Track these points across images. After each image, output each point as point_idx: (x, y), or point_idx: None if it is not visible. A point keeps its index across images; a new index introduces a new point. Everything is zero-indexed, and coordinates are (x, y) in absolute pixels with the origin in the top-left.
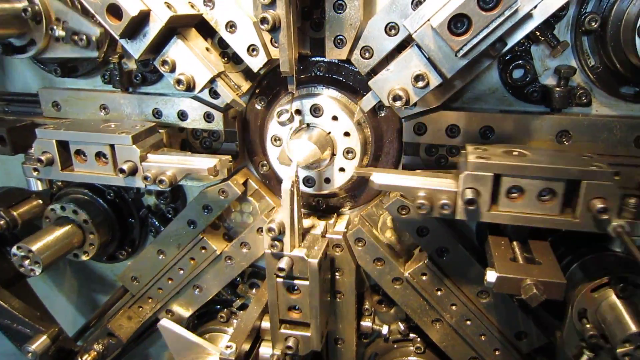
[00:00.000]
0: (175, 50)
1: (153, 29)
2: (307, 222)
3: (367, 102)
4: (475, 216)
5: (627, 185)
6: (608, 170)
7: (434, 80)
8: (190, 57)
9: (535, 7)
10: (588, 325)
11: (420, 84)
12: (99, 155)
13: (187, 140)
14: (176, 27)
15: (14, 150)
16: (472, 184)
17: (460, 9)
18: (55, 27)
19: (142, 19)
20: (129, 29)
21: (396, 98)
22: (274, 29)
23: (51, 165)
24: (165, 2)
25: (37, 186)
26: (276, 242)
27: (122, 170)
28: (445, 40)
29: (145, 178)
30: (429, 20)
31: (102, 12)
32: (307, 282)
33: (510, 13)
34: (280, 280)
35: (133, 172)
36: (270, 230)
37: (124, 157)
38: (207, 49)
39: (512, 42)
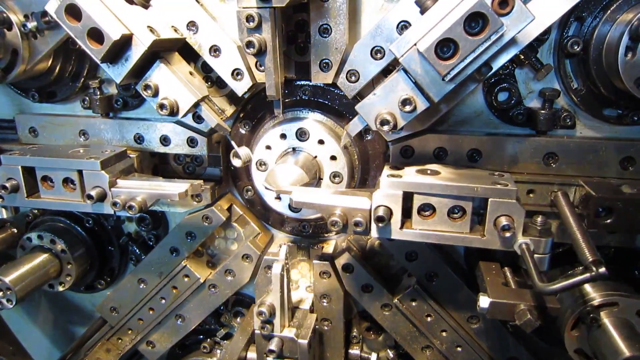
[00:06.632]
0: (158, 74)
1: (135, 53)
2: (295, 296)
3: (354, 126)
4: (388, 234)
5: (540, 202)
6: (512, 188)
7: (421, 105)
8: (173, 82)
9: (520, 31)
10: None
11: (408, 108)
12: (67, 181)
13: (159, 165)
14: (159, 51)
15: None
16: (383, 202)
17: (447, 33)
18: (27, 23)
19: (124, 43)
20: (111, 53)
21: (384, 122)
22: (260, 53)
23: (16, 192)
24: (148, 26)
25: (2, 214)
26: (266, 325)
27: (89, 197)
28: (433, 65)
29: (115, 204)
30: (415, 44)
31: (82, 36)
32: None
33: (496, 37)
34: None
35: (102, 198)
36: (260, 314)
37: (93, 183)
38: (191, 73)
39: (497, 65)
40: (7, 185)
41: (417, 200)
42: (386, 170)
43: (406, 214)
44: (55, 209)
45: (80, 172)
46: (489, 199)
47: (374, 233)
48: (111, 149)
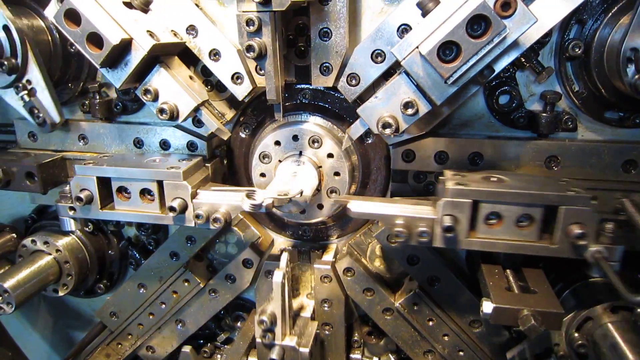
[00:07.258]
0: (158, 79)
1: (135, 57)
2: (296, 303)
3: (356, 129)
4: (454, 243)
5: (603, 209)
6: (585, 195)
7: (423, 108)
8: (173, 86)
9: (522, 33)
10: (576, 334)
11: (410, 111)
12: (144, 192)
13: (227, 174)
14: (159, 56)
15: (44, 188)
16: (450, 211)
17: (450, 36)
18: (20, 86)
19: (124, 47)
20: (110, 57)
21: (385, 125)
22: (260, 57)
23: (90, 203)
24: (148, 31)
25: (71, 226)
26: (268, 334)
27: (172, 209)
28: (435, 68)
29: (198, 216)
30: (417, 47)
31: (82, 41)
32: None
33: (499, 40)
34: None
35: (183, 209)
36: (261, 322)
37: (173, 194)
38: (191, 77)
39: (499, 68)
40: (82, 196)
41: (484, 209)
42: (450, 177)
43: (470, 223)
44: (130, 220)
45: (160, 182)
46: (561, 207)
47: (439, 243)
48: (187, 158)
